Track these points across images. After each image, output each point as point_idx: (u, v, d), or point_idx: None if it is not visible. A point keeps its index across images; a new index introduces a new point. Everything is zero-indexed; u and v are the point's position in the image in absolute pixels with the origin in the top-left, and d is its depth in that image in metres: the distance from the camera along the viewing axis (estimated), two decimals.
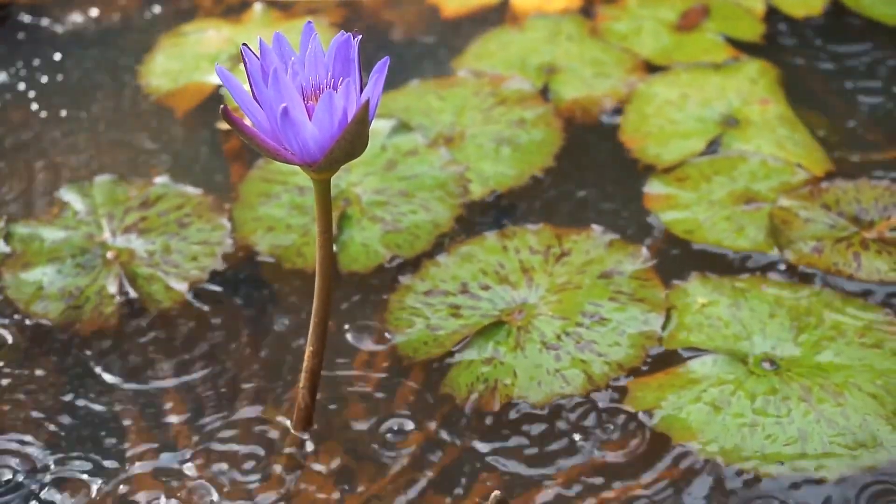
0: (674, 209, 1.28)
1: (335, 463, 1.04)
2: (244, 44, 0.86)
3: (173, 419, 1.09)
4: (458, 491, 1.01)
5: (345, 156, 0.85)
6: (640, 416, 1.06)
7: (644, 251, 1.20)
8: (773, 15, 1.60)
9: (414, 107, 1.43)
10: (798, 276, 1.18)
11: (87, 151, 1.43)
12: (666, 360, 1.11)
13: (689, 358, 1.10)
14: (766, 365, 1.08)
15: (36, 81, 1.56)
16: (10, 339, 1.17)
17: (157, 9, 1.71)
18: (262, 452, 1.05)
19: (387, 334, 1.15)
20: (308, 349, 1.00)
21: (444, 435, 1.06)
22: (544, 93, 1.47)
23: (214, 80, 1.52)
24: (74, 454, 1.06)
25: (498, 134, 1.38)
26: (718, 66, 1.49)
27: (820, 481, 0.99)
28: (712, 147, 1.36)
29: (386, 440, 1.06)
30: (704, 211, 1.27)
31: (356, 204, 1.28)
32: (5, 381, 1.13)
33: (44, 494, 1.02)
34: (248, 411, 1.09)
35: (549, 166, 1.35)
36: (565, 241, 1.22)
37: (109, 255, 1.23)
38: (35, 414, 1.09)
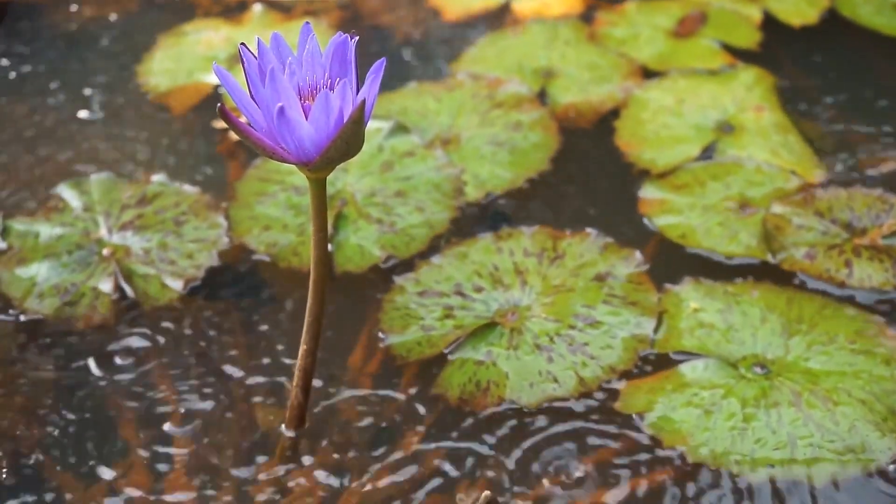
0: (668, 214, 1.29)
1: (327, 462, 1.05)
2: (242, 43, 0.86)
3: (167, 416, 1.09)
4: (449, 491, 1.02)
5: (340, 155, 0.86)
6: (632, 418, 1.07)
7: (638, 255, 1.21)
8: (769, 23, 1.61)
9: (411, 108, 1.43)
10: (790, 282, 1.19)
11: (85, 149, 1.44)
12: (657, 363, 1.11)
13: (681, 362, 1.11)
14: (757, 369, 1.08)
15: (34, 79, 1.57)
16: (4, 335, 1.17)
17: (156, 8, 1.72)
18: (254, 450, 1.06)
19: (380, 334, 1.16)
20: (302, 348, 1.00)
21: (436, 435, 1.07)
22: (541, 97, 1.48)
23: (213, 79, 1.53)
24: (68, 449, 1.06)
25: (494, 137, 1.39)
26: (714, 72, 1.50)
27: (809, 486, 1.00)
28: (707, 153, 1.37)
29: (378, 440, 1.07)
30: (698, 216, 1.28)
31: (352, 204, 1.28)
32: None
33: (36, 489, 1.03)
34: (241, 409, 1.10)
35: (545, 169, 1.36)
36: (560, 244, 1.22)
37: (105, 251, 1.23)
38: (29, 409, 1.10)
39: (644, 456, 1.04)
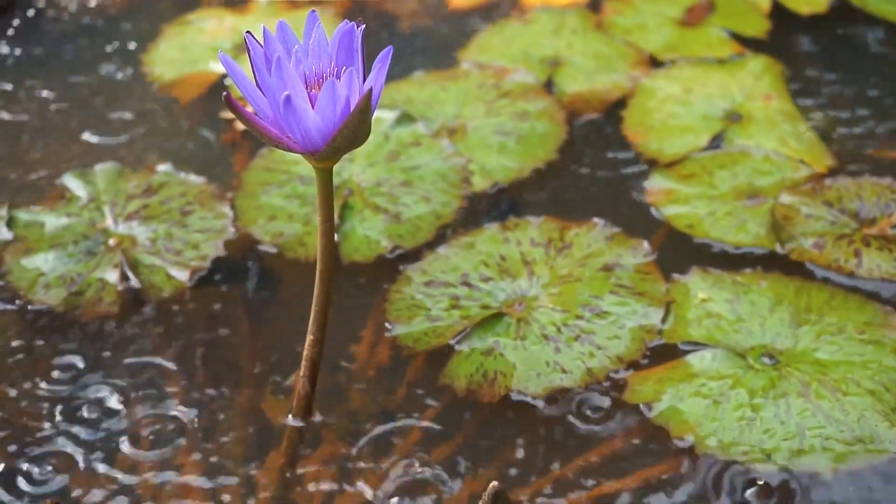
0: (675, 204, 1.28)
1: (334, 452, 1.04)
2: (248, 31, 0.86)
3: (173, 406, 1.09)
4: (457, 481, 1.02)
5: (347, 144, 0.86)
6: (639, 409, 1.06)
7: (645, 245, 1.20)
8: (778, 11, 1.60)
9: (417, 98, 1.43)
10: (799, 272, 1.18)
11: (90, 138, 1.43)
12: (665, 353, 1.11)
13: (689, 352, 1.10)
14: (766, 360, 1.08)
15: (40, 69, 1.56)
16: (11, 325, 1.17)
17: None
18: (261, 440, 1.06)
19: (387, 325, 1.15)
20: (308, 338, 1.00)
21: (443, 425, 1.06)
22: (548, 86, 1.48)
23: (218, 69, 1.52)
24: (74, 439, 1.06)
25: (501, 126, 1.38)
26: (722, 61, 1.49)
27: (817, 476, 0.99)
28: (715, 142, 1.36)
29: (385, 430, 1.06)
30: (706, 206, 1.27)
31: (358, 194, 1.28)
32: (6, 366, 1.13)
33: (42, 477, 1.03)
34: (247, 399, 1.09)
35: (552, 159, 1.35)
36: (567, 234, 1.22)
37: (111, 242, 1.23)
38: (35, 399, 1.10)
39: (651, 446, 1.03)
